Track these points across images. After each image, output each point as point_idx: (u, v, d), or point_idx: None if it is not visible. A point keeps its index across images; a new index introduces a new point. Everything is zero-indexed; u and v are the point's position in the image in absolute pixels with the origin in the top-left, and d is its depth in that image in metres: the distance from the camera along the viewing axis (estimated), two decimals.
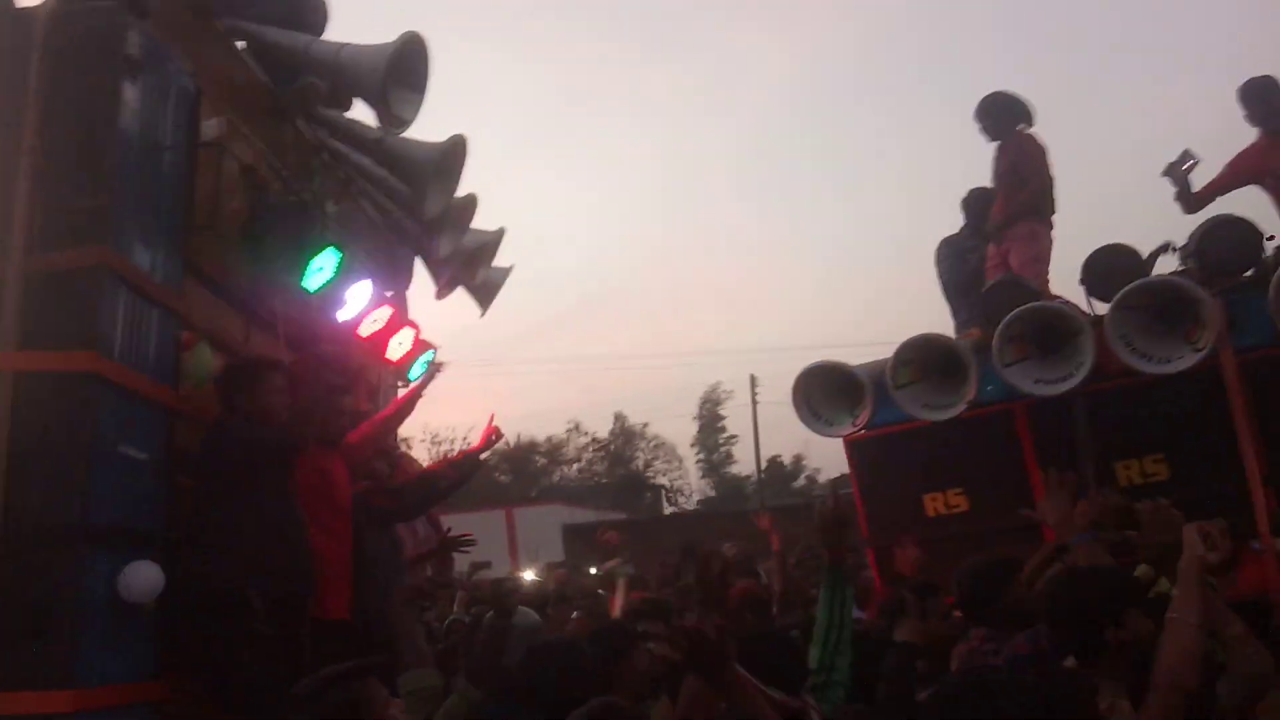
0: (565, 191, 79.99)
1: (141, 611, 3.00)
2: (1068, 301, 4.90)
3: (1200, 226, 4.40)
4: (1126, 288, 4.07)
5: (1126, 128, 74.71)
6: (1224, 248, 4.26)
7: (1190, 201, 5.64)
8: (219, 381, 3.68)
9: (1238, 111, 5.66)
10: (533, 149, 78.59)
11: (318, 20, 4.52)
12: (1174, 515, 3.15)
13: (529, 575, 11.03)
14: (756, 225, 77.12)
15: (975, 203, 6.35)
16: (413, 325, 5.23)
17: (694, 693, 2.51)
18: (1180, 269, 4.61)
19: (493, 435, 4.74)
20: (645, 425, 51.84)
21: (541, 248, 62.24)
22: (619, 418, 51.86)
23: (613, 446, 52.44)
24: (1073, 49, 74.84)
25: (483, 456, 4.89)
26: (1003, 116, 6.03)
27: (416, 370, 5.28)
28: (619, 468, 51.23)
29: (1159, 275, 4.31)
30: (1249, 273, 4.32)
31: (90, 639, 2.91)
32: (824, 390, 4.97)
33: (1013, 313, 4.30)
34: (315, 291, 4.18)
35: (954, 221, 6.53)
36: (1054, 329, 4.30)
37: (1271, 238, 3.96)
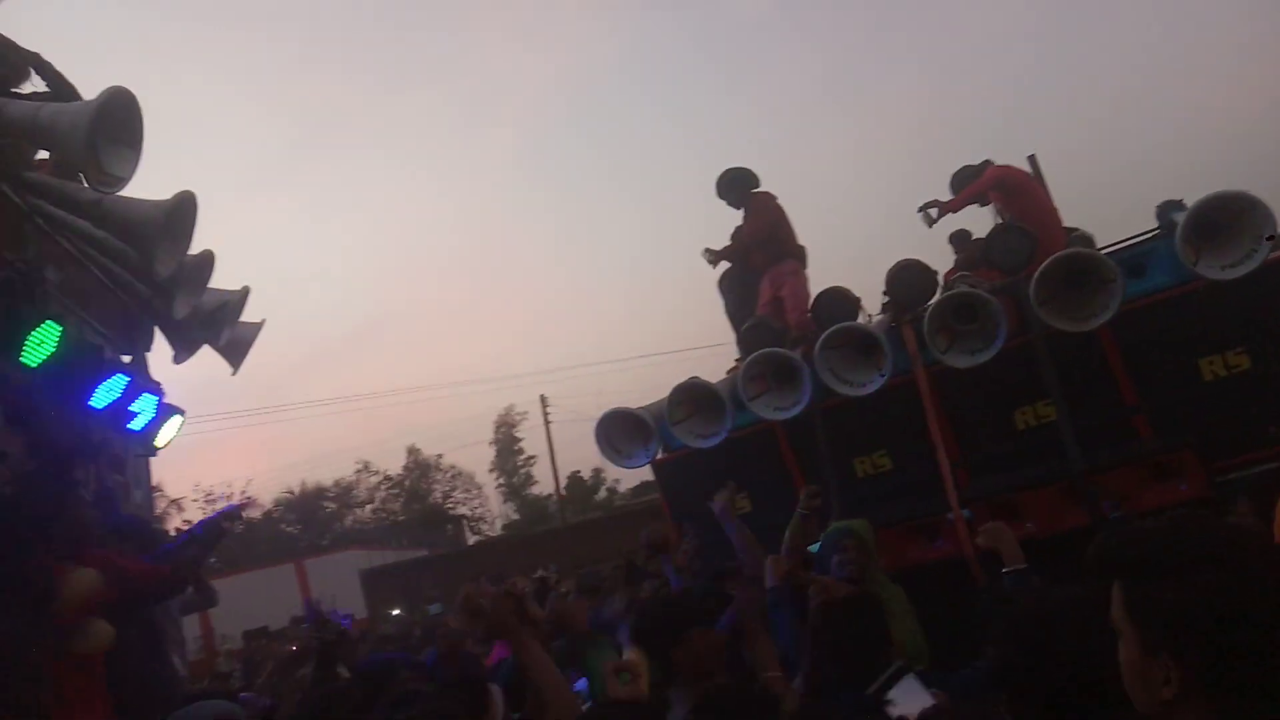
0: (317, 229, 76.92)
1: None
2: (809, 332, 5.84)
3: (889, 271, 5.38)
4: (827, 331, 5.05)
5: None
6: (906, 287, 5.33)
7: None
8: None
9: None
10: (275, 189, 75.21)
11: (9, 75, 4.46)
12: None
13: None
14: (531, 247, 77.34)
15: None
16: (154, 389, 5.15)
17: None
18: (883, 304, 5.61)
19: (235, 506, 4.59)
20: (440, 456, 50.44)
21: (298, 287, 58.67)
22: (412, 451, 50.11)
23: (407, 482, 50.58)
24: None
25: (225, 525, 4.90)
26: (735, 187, 7.00)
27: (164, 435, 5.33)
28: (416, 503, 49.54)
29: (852, 323, 5.26)
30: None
31: None
32: (620, 429, 5.74)
33: (750, 356, 5.28)
34: (36, 366, 3.98)
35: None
36: (785, 365, 5.26)
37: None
